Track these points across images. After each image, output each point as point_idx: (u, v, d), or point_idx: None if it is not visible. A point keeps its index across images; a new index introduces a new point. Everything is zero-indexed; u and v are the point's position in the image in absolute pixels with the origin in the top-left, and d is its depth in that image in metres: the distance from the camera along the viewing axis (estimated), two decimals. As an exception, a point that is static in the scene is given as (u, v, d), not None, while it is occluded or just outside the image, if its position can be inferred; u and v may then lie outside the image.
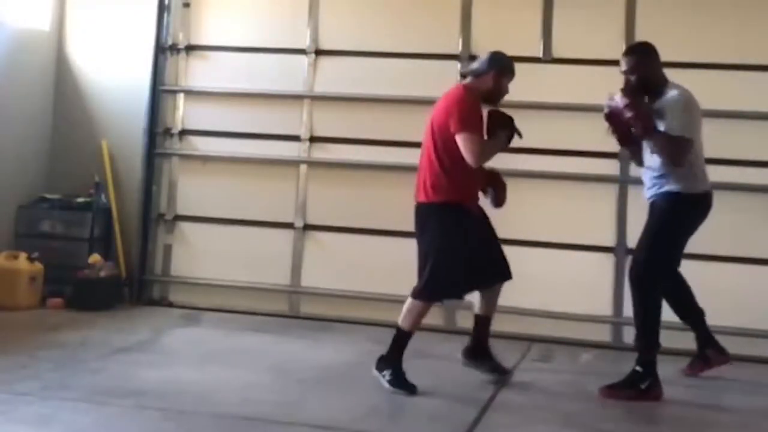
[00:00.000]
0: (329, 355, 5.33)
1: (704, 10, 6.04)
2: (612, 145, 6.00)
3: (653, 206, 4.72)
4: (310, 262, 6.50)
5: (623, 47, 6.04)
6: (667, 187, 4.61)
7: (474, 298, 4.75)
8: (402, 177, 6.35)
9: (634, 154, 4.91)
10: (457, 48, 6.35)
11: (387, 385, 4.44)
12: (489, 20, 6.32)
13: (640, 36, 6.05)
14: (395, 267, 6.28)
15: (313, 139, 6.56)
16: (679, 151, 4.45)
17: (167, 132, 6.78)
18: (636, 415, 4.35)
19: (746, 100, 5.85)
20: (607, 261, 6.05)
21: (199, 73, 6.81)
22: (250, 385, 4.48)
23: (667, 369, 4.73)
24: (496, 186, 4.67)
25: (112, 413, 3.87)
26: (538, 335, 5.90)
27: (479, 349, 4.76)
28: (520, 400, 4.52)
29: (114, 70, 6.74)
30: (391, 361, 4.49)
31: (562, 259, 6.02)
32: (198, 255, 6.70)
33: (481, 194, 4.70)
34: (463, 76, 4.71)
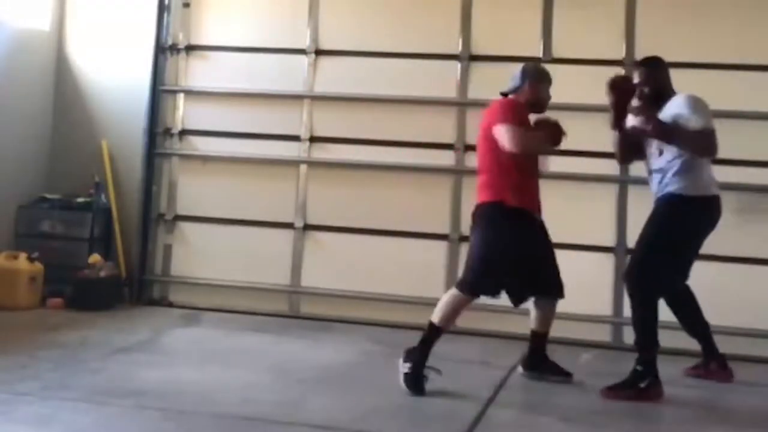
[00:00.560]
0: (329, 355, 5.32)
1: (704, 10, 6.04)
2: (612, 145, 6.05)
3: (654, 209, 4.73)
4: (310, 262, 6.51)
5: (623, 47, 6.09)
6: (669, 189, 4.63)
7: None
8: (402, 177, 6.38)
9: (623, 156, 5.02)
10: (457, 48, 6.35)
11: (401, 378, 4.42)
12: (489, 20, 6.32)
13: (640, 36, 6.08)
14: (395, 267, 6.30)
15: (313, 139, 6.56)
16: (708, 142, 4.47)
17: (167, 132, 6.79)
18: (637, 414, 4.34)
19: (746, 100, 5.85)
20: (607, 261, 6.06)
21: (199, 73, 6.82)
22: (250, 385, 4.48)
23: (667, 368, 4.73)
24: (547, 129, 4.68)
25: (112, 413, 3.87)
26: (538, 335, 5.90)
27: (536, 359, 4.86)
28: (520, 400, 4.52)
29: (114, 70, 6.74)
30: (416, 356, 4.45)
31: (562, 259, 5.98)
32: (198, 255, 6.71)
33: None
34: (504, 95, 4.74)
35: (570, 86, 6.12)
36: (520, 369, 4.92)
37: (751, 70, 5.92)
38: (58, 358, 4.76)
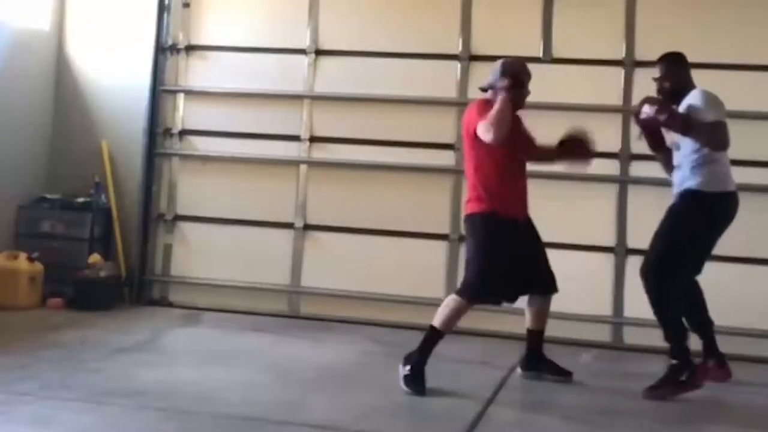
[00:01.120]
0: (329, 355, 5.32)
1: (704, 10, 6.04)
2: (612, 145, 6.05)
3: (672, 204, 4.73)
4: (310, 262, 6.50)
5: (623, 47, 6.09)
6: (686, 184, 4.64)
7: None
8: (402, 177, 6.38)
9: (665, 161, 4.93)
10: (457, 48, 6.35)
11: (401, 380, 4.44)
12: (489, 20, 6.32)
13: (640, 36, 6.08)
14: (395, 267, 6.30)
15: (313, 139, 6.56)
16: (720, 135, 4.49)
17: (167, 132, 6.78)
18: (637, 414, 4.35)
19: (746, 100, 5.84)
20: (607, 261, 6.06)
21: (199, 73, 6.81)
22: (250, 385, 4.48)
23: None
24: (573, 147, 4.80)
25: (112, 413, 3.87)
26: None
27: (534, 359, 4.86)
28: (521, 400, 4.52)
29: (114, 70, 6.73)
30: (416, 357, 4.49)
31: (562, 259, 6.00)
32: (198, 255, 6.70)
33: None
34: (484, 90, 4.74)
35: (570, 86, 6.14)
36: (518, 370, 4.92)
37: (751, 70, 5.92)
38: (58, 358, 4.76)
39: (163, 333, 5.73)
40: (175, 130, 6.78)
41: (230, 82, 6.71)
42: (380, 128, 6.41)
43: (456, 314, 4.55)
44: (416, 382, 4.42)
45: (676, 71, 4.79)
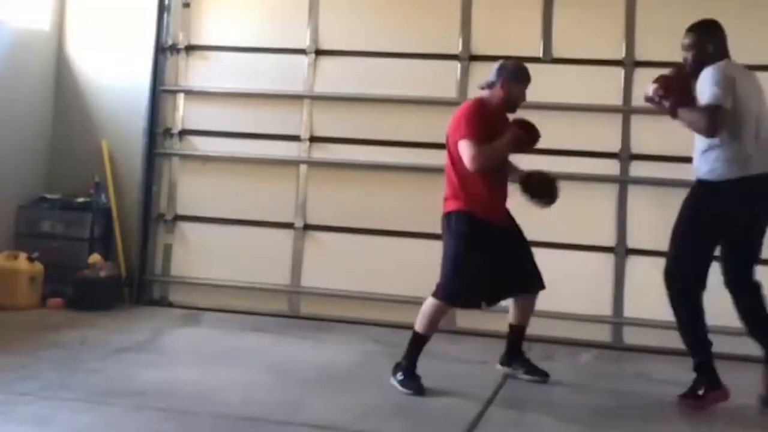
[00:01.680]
0: (329, 355, 5.32)
1: (704, 10, 5.99)
2: (612, 145, 6.05)
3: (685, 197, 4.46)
4: (310, 262, 6.50)
5: (623, 47, 6.10)
6: (698, 174, 4.37)
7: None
8: (402, 177, 6.38)
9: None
10: (457, 48, 6.35)
11: (398, 387, 4.46)
12: (489, 20, 6.32)
13: (641, 35, 6.07)
14: (395, 267, 6.29)
15: (313, 139, 6.56)
16: (707, 119, 4.17)
17: (167, 132, 6.78)
18: (637, 415, 4.34)
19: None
20: (607, 261, 6.06)
21: (199, 73, 6.81)
22: (250, 385, 4.48)
23: (668, 369, 4.74)
24: (521, 134, 4.52)
25: (112, 413, 3.87)
26: (538, 335, 5.88)
27: (513, 356, 4.83)
28: (520, 400, 4.51)
29: (114, 70, 6.73)
30: (404, 364, 4.52)
31: (562, 259, 6.02)
32: (198, 255, 6.70)
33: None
34: (481, 88, 4.73)
35: (570, 86, 6.14)
36: (497, 366, 4.88)
37: (751, 69, 5.90)
38: (58, 358, 4.76)
39: (163, 333, 5.73)
40: (175, 130, 6.78)
41: (230, 82, 6.71)
42: (380, 128, 6.41)
43: (435, 317, 4.53)
44: (412, 382, 4.45)
45: (700, 42, 4.41)
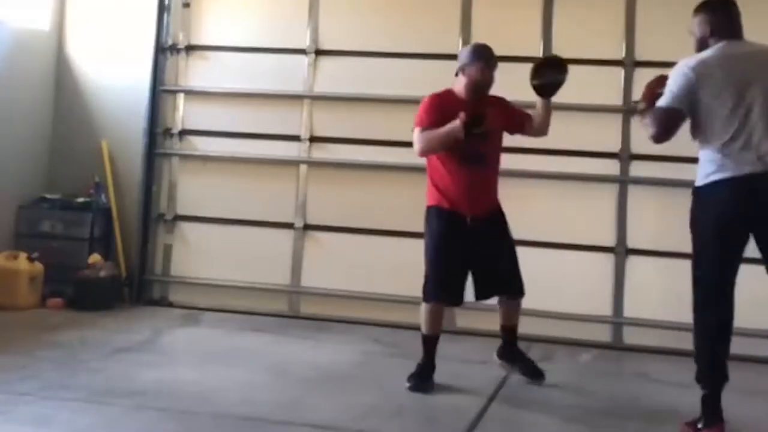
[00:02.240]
0: (329, 355, 5.33)
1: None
2: (612, 145, 6.05)
3: None
4: (310, 262, 6.50)
5: (623, 47, 6.10)
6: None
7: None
8: (402, 177, 6.37)
9: None
10: (457, 48, 6.32)
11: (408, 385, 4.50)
12: (489, 20, 6.31)
13: (641, 35, 6.07)
14: (395, 267, 6.29)
15: (313, 139, 6.56)
16: (653, 126, 3.85)
17: (167, 132, 6.78)
18: (637, 415, 4.34)
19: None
20: (607, 261, 6.05)
21: (199, 73, 6.81)
22: (250, 385, 4.48)
23: (667, 369, 4.74)
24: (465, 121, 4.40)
25: (112, 413, 3.87)
26: (538, 335, 5.89)
27: (509, 352, 4.83)
28: (521, 400, 4.51)
29: (114, 70, 6.73)
30: (421, 361, 4.57)
31: (562, 259, 6.02)
32: (198, 255, 6.70)
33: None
34: (456, 74, 4.75)
35: (570, 86, 6.12)
36: (494, 356, 4.89)
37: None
38: (58, 358, 4.76)
39: (163, 333, 5.73)
40: (175, 130, 6.78)
41: (230, 82, 6.71)
42: (380, 128, 6.41)
43: (426, 316, 4.57)
44: (414, 378, 4.50)
45: (698, 22, 4.01)
